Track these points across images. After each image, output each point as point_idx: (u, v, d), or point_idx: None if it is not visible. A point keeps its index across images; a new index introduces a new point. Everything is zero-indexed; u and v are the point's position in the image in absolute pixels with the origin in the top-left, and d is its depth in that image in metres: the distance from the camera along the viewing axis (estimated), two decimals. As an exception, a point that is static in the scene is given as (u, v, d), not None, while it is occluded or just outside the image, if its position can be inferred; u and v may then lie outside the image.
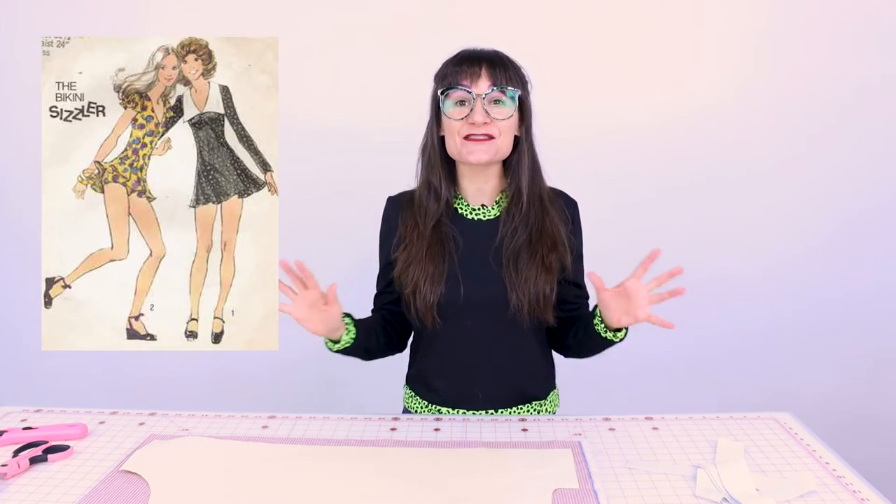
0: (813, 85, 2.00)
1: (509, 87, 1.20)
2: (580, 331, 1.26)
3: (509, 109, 1.21)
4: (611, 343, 1.21)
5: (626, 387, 2.06)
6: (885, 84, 2.00)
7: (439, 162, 1.27)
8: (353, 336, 1.22)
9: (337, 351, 1.23)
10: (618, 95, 2.01)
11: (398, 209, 1.33)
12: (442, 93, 1.22)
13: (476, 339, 1.26)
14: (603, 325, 1.18)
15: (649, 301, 1.10)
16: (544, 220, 1.26)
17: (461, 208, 1.30)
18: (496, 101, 1.20)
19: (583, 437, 1.15)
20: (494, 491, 0.95)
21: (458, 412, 1.30)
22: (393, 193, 1.37)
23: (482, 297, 1.24)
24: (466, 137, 1.20)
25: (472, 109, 1.19)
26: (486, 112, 1.19)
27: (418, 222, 1.28)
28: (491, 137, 1.20)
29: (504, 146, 1.23)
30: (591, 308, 1.25)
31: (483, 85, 1.19)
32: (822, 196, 2.06)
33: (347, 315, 1.23)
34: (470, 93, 1.19)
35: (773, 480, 0.99)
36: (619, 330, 1.18)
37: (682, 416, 1.23)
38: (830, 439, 1.13)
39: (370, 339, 1.28)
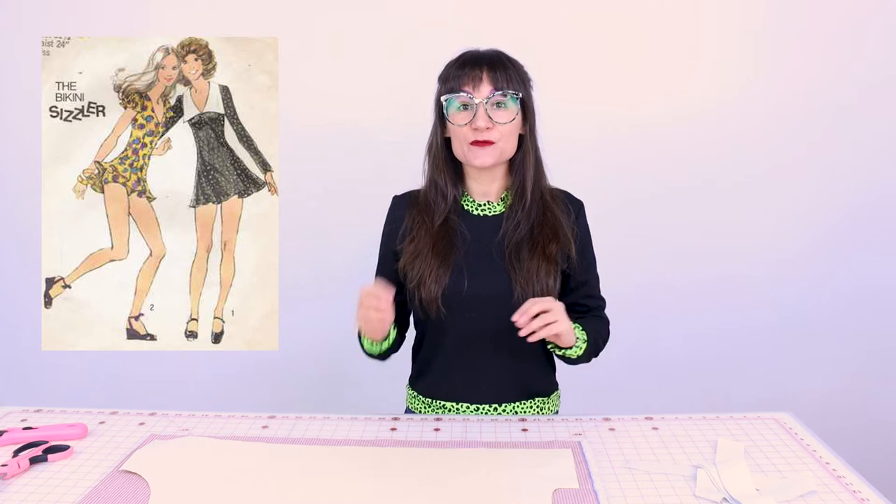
0: (813, 86, 2.00)
1: (510, 91, 1.21)
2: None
3: (511, 112, 1.22)
4: (569, 358, 1.27)
5: (626, 387, 2.06)
6: (886, 85, 2.00)
7: (444, 163, 1.29)
8: (391, 341, 1.29)
9: (373, 353, 1.30)
10: (618, 96, 2.01)
11: (404, 207, 1.33)
12: (445, 98, 1.23)
13: (480, 331, 1.27)
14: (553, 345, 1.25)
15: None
16: (545, 214, 1.28)
17: (467, 204, 1.31)
18: (498, 104, 1.21)
19: (583, 437, 1.15)
20: (494, 491, 0.95)
21: (462, 406, 1.31)
22: (396, 192, 1.37)
23: (486, 288, 1.25)
24: (471, 143, 1.22)
25: (474, 114, 1.20)
26: (489, 117, 1.20)
27: (426, 220, 1.29)
28: (493, 143, 1.21)
29: (508, 149, 1.25)
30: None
31: (485, 90, 1.20)
32: (823, 196, 2.06)
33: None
34: (472, 98, 1.20)
35: (773, 480, 0.99)
36: (567, 347, 1.23)
37: (682, 416, 1.22)
38: (830, 439, 1.13)
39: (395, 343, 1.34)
